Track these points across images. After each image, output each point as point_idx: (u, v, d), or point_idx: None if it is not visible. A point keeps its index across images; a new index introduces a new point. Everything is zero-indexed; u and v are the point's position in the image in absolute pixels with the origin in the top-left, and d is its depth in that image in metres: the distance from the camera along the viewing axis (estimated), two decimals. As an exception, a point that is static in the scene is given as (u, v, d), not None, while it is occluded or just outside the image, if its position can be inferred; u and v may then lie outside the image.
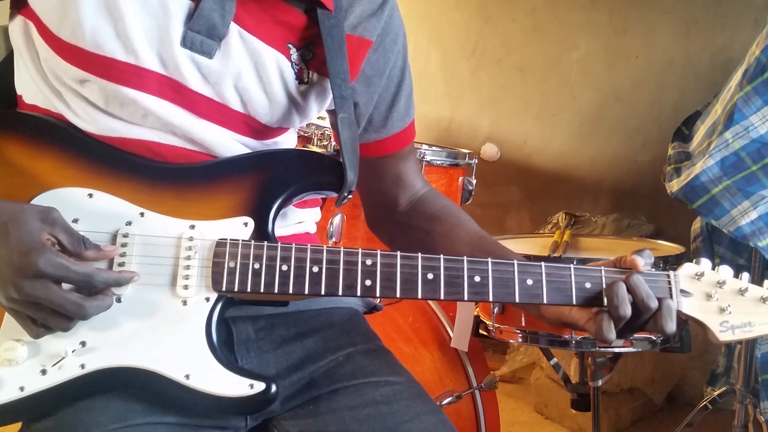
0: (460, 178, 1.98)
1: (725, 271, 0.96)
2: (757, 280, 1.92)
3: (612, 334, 0.91)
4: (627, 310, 0.90)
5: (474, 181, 1.99)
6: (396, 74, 1.10)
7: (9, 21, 0.97)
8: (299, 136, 1.83)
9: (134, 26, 0.89)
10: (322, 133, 1.79)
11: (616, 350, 1.72)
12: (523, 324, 1.74)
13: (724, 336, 0.95)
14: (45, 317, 0.81)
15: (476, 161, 2.01)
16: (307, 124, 1.82)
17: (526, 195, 3.32)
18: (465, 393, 1.77)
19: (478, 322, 1.83)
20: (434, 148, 1.93)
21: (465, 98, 3.48)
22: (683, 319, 1.83)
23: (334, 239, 1.75)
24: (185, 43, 0.91)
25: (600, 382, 1.92)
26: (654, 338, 1.68)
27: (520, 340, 1.76)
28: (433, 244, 1.10)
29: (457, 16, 3.45)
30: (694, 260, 0.96)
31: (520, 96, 3.31)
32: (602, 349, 1.71)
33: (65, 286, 0.83)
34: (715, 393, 2.00)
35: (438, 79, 3.52)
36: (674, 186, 1.87)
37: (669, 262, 1.72)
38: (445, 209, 1.15)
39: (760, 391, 1.87)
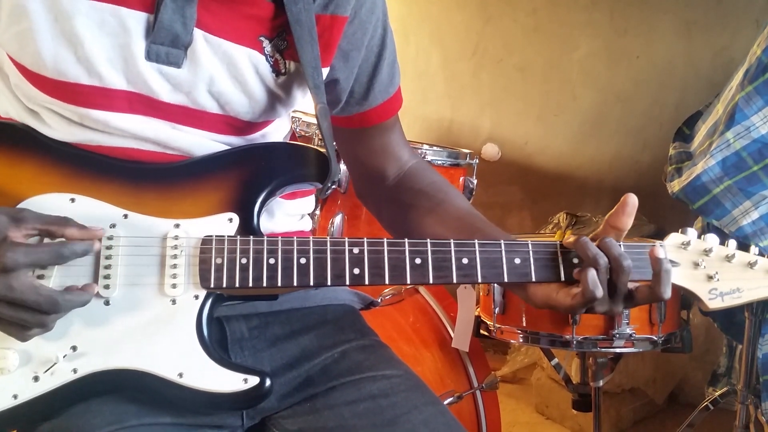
0: (461, 178, 1.98)
1: (712, 238, 0.95)
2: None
3: (581, 310, 0.91)
4: (598, 292, 0.89)
5: (475, 181, 1.99)
6: (376, 44, 1.07)
7: None
8: (300, 137, 1.82)
9: (94, 49, 0.88)
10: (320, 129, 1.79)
11: (618, 350, 1.71)
12: (524, 324, 1.74)
13: (713, 303, 0.94)
14: (21, 315, 0.80)
15: (477, 161, 2.01)
16: (307, 125, 1.82)
17: (527, 195, 3.32)
18: (466, 393, 1.77)
19: (479, 322, 1.83)
20: (435, 148, 1.93)
21: (466, 98, 3.47)
22: (684, 320, 1.82)
23: (335, 239, 1.75)
24: (150, 56, 0.90)
25: (601, 383, 1.92)
26: (655, 338, 1.68)
27: (521, 340, 1.76)
28: (420, 220, 1.09)
29: (457, 16, 3.45)
30: (680, 230, 0.95)
31: (521, 96, 3.31)
32: (603, 350, 1.71)
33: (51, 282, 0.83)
34: (717, 393, 2.00)
35: (439, 80, 3.52)
36: (675, 186, 1.87)
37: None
38: (434, 184, 1.13)
39: (761, 392, 1.87)
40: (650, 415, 2.72)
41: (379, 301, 1.76)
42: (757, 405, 1.90)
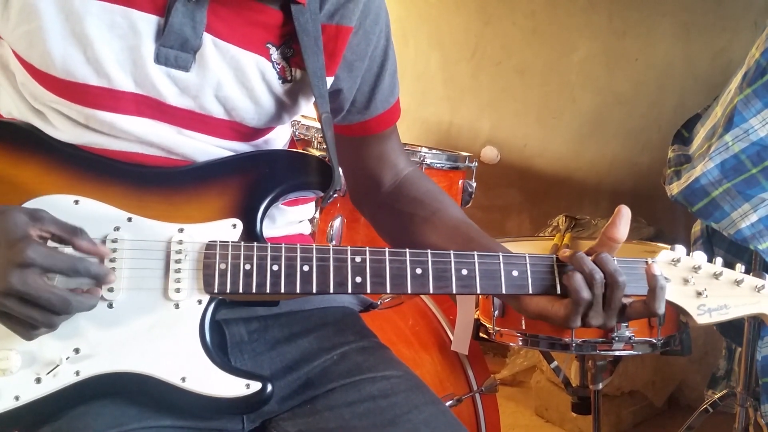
0: (460, 181, 1.98)
1: (699, 256, 0.99)
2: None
3: (576, 322, 0.93)
4: (585, 294, 0.91)
5: (474, 184, 1.99)
6: (379, 54, 1.08)
7: None
8: (299, 140, 1.82)
9: (104, 50, 0.88)
10: (322, 136, 1.79)
11: (617, 353, 1.71)
12: (524, 327, 1.73)
13: (701, 319, 0.97)
14: (29, 311, 0.80)
15: (476, 164, 2.01)
16: (306, 128, 1.82)
17: (526, 198, 3.32)
18: (465, 396, 1.77)
19: (478, 325, 1.83)
20: (434, 151, 1.92)
21: (465, 101, 3.48)
22: (683, 322, 1.82)
23: (334, 242, 1.75)
24: (159, 59, 0.90)
25: (600, 385, 1.92)
26: (654, 341, 1.68)
27: (520, 343, 1.76)
28: (414, 229, 1.10)
29: (456, 18, 3.45)
30: (670, 247, 0.99)
31: (520, 99, 3.31)
32: (603, 352, 1.70)
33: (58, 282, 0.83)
34: (716, 396, 2.00)
35: (438, 82, 3.52)
36: (674, 189, 1.87)
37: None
38: (429, 193, 1.14)
39: (760, 394, 1.87)
40: (650, 418, 2.72)
41: (379, 303, 1.76)
42: (756, 407, 1.90)
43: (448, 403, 1.70)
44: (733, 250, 1.99)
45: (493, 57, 3.37)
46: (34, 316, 0.80)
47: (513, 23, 3.29)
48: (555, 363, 2.02)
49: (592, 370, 1.91)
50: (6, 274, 0.78)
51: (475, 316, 1.83)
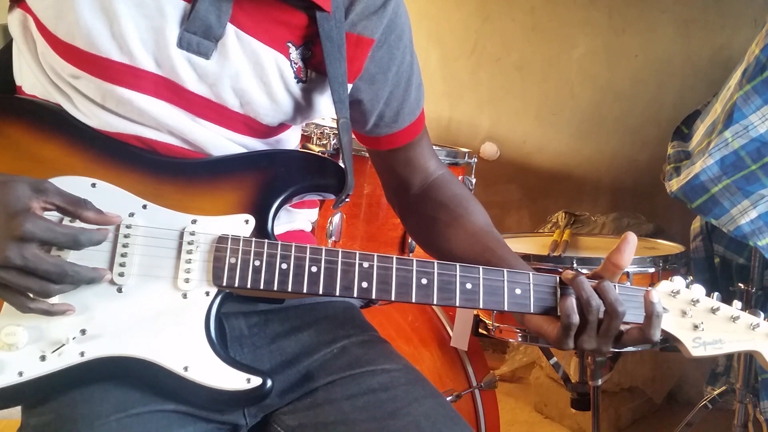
0: (460, 177, 1.98)
1: (698, 289, 1.00)
2: (756, 280, 1.90)
3: (568, 344, 0.94)
4: (574, 319, 0.93)
5: (473, 180, 1.99)
6: (405, 70, 1.10)
7: (8, 13, 0.98)
8: (298, 135, 1.82)
9: (129, 27, 0.89)
10: (321, 132, 1.79)
11: (616, 349, 1.71)
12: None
13: (696, 351, 0.99)
14: (28, 283, 0.81)
15: (476, 160, 2.01)
16: (305, 123, 1.82)
17: (526, 194, 3.32)
18: (465, 392, 1.77)
19: (477, 321, 1.83)
20: (434, 147, 1.91)
21: (464, 97, 3.47)
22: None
23: (333, 238, 1.75)
24: (181, 44, 0.92)
25: (600, 381, 1.92)
26: (654, 337, 1.68)
27: (519, 339, 1.76)
28: (436, 233, 1.12)
29: (456, 14, 3.45)
30: (670, 278, 1.00)
31: (520, 95, 3.31)
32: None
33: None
34: (715, 392, 2.00)
35: (437, 78, 3.52)
36: (674, 185, 1.87)
37: (668, 262, 1.72)
38: (455, 198, 1.15)
39: (759, 390, 1.87)
40: (649, 414, 2.72)
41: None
42: (755, 404, 1.90)
43: (447, 399, 1.70)
44: (733, 247, 1.99)
45: (492, 53, 3.36)
46: (30, 285, 0.81)
47: (512, 19, 3.28)
48: (554, 359, 2.03)
49: (592, 366, 1.91)
50: (4, 248, 0.78)
51: (475, 312, 1.83)
